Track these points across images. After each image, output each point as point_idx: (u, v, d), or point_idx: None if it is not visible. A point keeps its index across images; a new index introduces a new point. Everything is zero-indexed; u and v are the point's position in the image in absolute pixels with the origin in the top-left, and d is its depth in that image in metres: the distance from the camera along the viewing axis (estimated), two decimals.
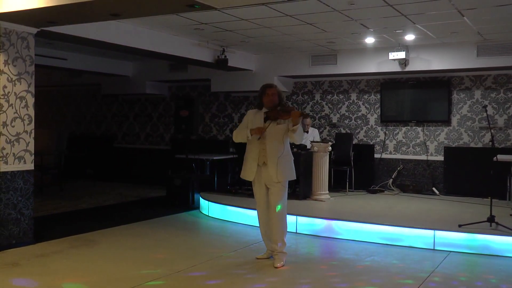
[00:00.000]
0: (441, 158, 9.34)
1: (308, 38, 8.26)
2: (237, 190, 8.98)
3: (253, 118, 5.37)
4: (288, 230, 6.88)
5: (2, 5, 5.28)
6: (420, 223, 6.44)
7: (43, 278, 4.76)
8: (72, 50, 9.62)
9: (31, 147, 6.04)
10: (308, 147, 8.69)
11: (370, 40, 8.32)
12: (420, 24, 7.18)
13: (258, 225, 5.54)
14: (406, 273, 5.09)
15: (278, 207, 5.23)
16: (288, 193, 5.42)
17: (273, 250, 5.31)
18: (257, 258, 5.46)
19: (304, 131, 9.29)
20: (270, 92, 5.33)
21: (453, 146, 9.25)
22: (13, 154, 5.83)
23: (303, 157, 8.42)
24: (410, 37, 8.02)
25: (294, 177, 5.40)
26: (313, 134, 9.32)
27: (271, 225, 5.31)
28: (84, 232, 6.71)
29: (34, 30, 6.02)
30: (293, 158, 5.42)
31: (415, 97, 9.46)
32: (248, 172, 5.35)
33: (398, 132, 9.73)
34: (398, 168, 9.66)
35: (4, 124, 5.73)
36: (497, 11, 6.34)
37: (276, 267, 5.12)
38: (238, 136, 5.41)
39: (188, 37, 8.40)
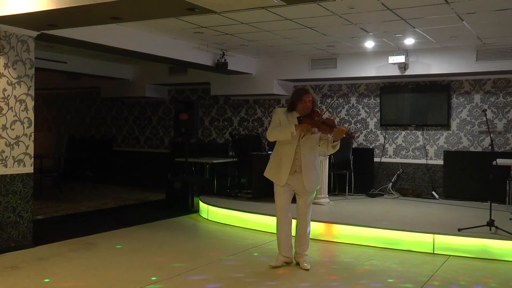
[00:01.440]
0: (440, 162, 9.34)
1: (307, 42, 8.27)
2: (237, 194, 8.98)
3: (286, 119, 5.16)
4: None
5: (2, 8, 5.29)
6: (420, 227, 6.43)
7: (42, 281, 4.75)
8: (72, 53, 9.62)
9: (31, 150, 6.04)
10: None
11: (369, 44, 8.33)
12: (419, 28, 7.20)
13: (277, 231, 5.39)
14: (405, 277, 5.09)
15: (308, 215, 5.32)
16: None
17: (299, 253, 5.32)
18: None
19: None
20: (308, 99, 5.13)
21: (453, 150, 9.25)
22: (13, 157, 5.82)
23: None
24: (409, 41, 8.04)
25: (320, 185, 5.56)
26: None
27: (300, 231, 5.32)
28: (83, 235, 6.70)
29: (34, 33, 6.02)
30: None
31: (415, 101, 9.46)
32: (281, 177, 5.17)
33: (397, 136, 9.73)
34: (398, 172, 9.66)
35: (4, 127, 5.73)
36: (497, 15, 6.35)
37: (308, 269, 5.18)
38: (280, 134, 5.11)
39: (188, 41, 8.41)
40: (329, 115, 10.00)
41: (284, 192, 5.27)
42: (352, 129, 4.90)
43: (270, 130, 5.22)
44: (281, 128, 5.12)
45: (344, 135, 5.02)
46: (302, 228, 5.34)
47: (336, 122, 5.12)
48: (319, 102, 10.37)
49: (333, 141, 5.08)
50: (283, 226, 5.35)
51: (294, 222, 5.45)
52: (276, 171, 5.24)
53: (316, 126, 5.09)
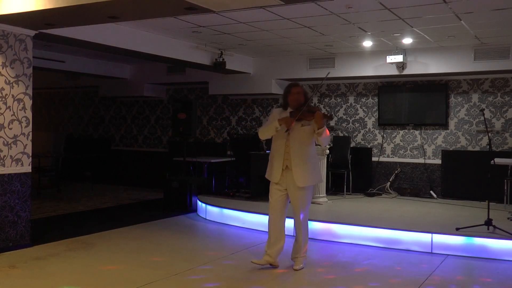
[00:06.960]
0: (438, 161, 9.35)
1: (306, 41, 8.27)
2: (235, 193, 8.97)
3: (279, 117, 5.15)
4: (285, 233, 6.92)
5: (0, 7, 5.28)
6: (418, 226, 6.45)
7: (40, 281, 4.75)
8: (70, 52, 9.61)
9: (29, 149, 6.03)
10: None
11: (367, 43, 8.34)
12: (417, 28, 7.20)
13: (268, 230, 5.30)
14: (403, 276, 5.10)
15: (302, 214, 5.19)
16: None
17: (293, 254, 5.31)
18: (252, 262, 5.26)
19: None
20: (295, 91, 5.18)
21: (451, 149, 9.26)
22: (11, 156, 5.81)
23: None
24: (407, 40, 8.04)
25: (320, 180, 5.48)
26: None
27: (296, 230, 5.27)
28: (81, 234, 6.70)
29: (32, 32, 6.01)
30: (318, 161, 5.32)
31: (413, 100, 9.47)
32: (274, 174, 5.17)
33: (395, 135, 9.74)
34: (396, 171, 9.67)
35: (2, 127, 5.72)
36: (494, 15, 6.36)
37: (296, 269, 5.18)
38: (266, 130, 5.17)
39: (186, 40, 8.41)
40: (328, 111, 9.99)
41: (278, 190, 5.19)
42: (328, 112, 4.74)
43: (261, 127, 5.30)
44: (267, 124, 5.20)
45: (323, 118, 4.95)
46: (297, 226, 5.28)
47: (320, 109, 5.01)
48: (317, 101, 10.38)
49: (317, 129, 4.96)
50: (272, 226, 5.28)
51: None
52: (269, 168, 5.26)
53: (301, 117, 5.02)
